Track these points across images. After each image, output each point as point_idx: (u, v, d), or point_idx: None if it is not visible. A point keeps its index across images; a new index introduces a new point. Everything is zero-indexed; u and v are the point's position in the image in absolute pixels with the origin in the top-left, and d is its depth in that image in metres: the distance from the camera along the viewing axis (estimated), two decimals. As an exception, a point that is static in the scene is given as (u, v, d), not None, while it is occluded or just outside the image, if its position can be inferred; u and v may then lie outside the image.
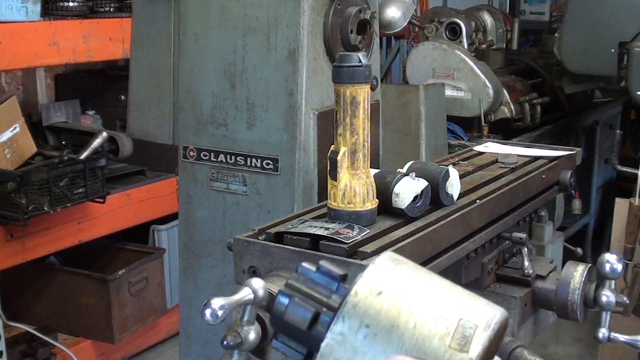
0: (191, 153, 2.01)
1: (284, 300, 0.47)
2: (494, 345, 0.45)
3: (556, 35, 4.11)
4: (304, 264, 0.49)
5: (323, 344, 0.44)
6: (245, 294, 1.17)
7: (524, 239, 1.66)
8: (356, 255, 1.25)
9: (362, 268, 0.47)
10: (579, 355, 3.77)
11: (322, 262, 0.48)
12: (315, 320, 0.46)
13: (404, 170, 1.54)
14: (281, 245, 1.33)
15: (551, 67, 4.35)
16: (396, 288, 0.44)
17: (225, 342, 1.18)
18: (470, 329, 0.43)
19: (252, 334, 1.19)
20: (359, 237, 1.30)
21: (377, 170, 1.52)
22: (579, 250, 2.06)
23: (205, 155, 1.98)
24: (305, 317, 0.46)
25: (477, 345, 0.43)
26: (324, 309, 0.46)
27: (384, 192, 1.44)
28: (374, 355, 0.43)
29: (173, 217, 3.57)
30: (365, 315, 0.43)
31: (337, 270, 0.48)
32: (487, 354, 0.44)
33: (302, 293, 0.47)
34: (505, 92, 3.91)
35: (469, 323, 0.44)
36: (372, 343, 0.43)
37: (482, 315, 0.44)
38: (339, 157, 1.42)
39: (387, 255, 0.48)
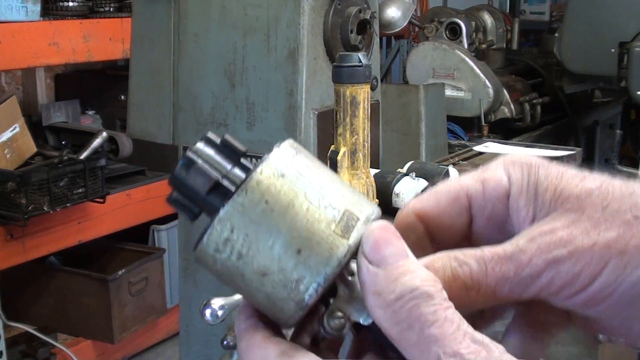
0: (191, 153, 2.01)
1: (188, 162, 0.50)
2: None
3: (556, 35, 4.11)
4: (210, 134, 0.53)
5: (223, 210, 0.49)
6: (245, 294, 1.16)
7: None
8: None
9: (268, 151, 0.51)
10: (578, 355, 3.78)
11: (227, 136, 0.52)
12: (214, 188, 0.50)
13: (404, 170, 1.54)
14: (281, 245, 1.33)
15: (551, 67, 4.35)
16: (296, 173, 0.49)
17: (225, 342, 1.18)
18: (352, 220, 0.48)
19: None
20: (359, 237, 1.30)
21: (377, 170, 1.52)
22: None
23: (205, 155, 1.98)
24: (206, 182, 0.50)
25: (357, 234, 0.48)
26: (225, 180, 0.50)
27: (384, 192, 1.44)
28: (268, 227, 0.48)
29: (173, 217, 3.57)
30: (267, 192, 0.48)
31: (240, 146, 0.52)
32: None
33: (205, 159, 0.50)
34: (505, 92, 3.91)
35: (353, 215, 0.49)
36: (268, 217, 0.48)
37: (363, 211, 0.49)
38: (339, 157, 1.42)
39: (290, 142, 0.52)
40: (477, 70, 3.75)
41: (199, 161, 0.50)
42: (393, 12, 2.24)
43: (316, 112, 1.84)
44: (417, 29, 4.67)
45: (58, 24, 3.14)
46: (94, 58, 3.33)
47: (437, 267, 0.48)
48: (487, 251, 0.49)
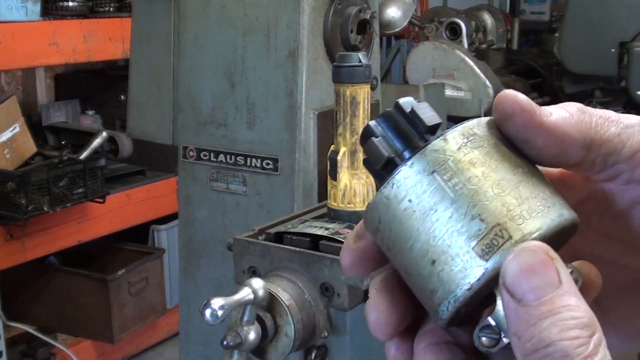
0: (191, 153, 2.01)
1: (366, 133, 0.48)
2: None
3: (556, 35, 4.11)
4: (403, 101, 0.49)
5: (372, 199, 0.46)
6: (245, 294, 1.16)
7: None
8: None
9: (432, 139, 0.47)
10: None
11: (416, 106, 0.47)
12: (386, 165, 0.47)
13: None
14: (281, 245, 1.33)
15: (551, 67, 4.35)
16: (451, 172, 0.44)
17: (225, 342, 1.18)
18: (500, 238, 0.42)
19: (252, 334, 1.19)
20: (359, 237, 1.30)
21: (377, 170, 1.51)
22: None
23: (205, 155, 1.98)
24: (377, 160, 0.47)
25: (499, 257, 0.42)
26: (396, 159, 0.47)
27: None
28: (408, 228, 0.44)
29: (173, 217, 3.57)
30: (412, 190, 0.44)
31: (427, 120, 0.47)
32: None
33: (381, 133, 0.47)
34: (505, 92, 3.90)
35: (504, 232, 0.43)
36: (410, 217, 0.44)
37: (525, 225, 0.43)
38: (339, 157, 1.42)
39: (465, 128, 0.46)
40: (477, 70, 3.75)
41: (374, 135, 0.47)
42: (393, 12, 2.24)
43: (316, 112, 1.84)
44: (417, 29, 4.67)
45: (58, 23, 3.14)
46: (94, 58, 3.33)
47: None
48: None
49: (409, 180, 0.45)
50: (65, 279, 3.40)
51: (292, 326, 1.25)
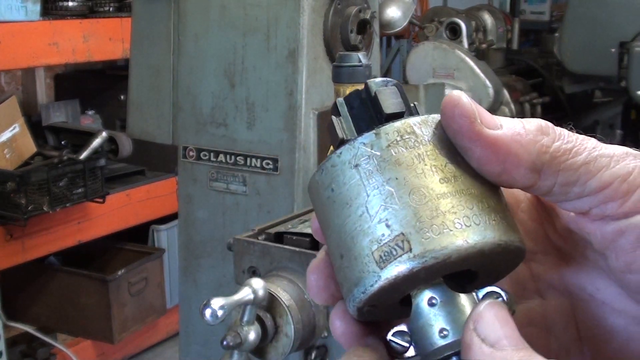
0: (191, 153, 2.01)
1: (333, 112, 0.46)
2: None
3: (556, 35, 4.11)
4: (373, 82, 0.46)
5: (309, 180, 0.45)
6: (245, 294, 1.16)
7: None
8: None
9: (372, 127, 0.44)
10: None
11: (379, 90, 0.44)
12: (341, 145, 0.45)
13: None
14: (281, 245, 1.33)
15: (551, 67, 4.35)
16: (375, 166, 0.42)
17: (225, 342, 1.18)
18: (400, 248, 0.39)
19: (252, 334, 1.19)
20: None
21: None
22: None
23: (205, 155, 1.98)
24: (335, 138, 0.45)
25: (394, 269, 0.39)
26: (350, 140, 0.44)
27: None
28: (327, 217, 0.42)
29: (173, 217, 3.57)
30: (335, 179, 0.42)
31: (387, 107, 0.44)
32: (410, 283, 0.41)
33: (344, 114, 0.46)
34: (505, 92, 3.91)
35: (406, 243, 0.39)
36: (330, 207, 0.42)
37: (430, 241, 0.39)
38: (339, 157, 1.41)
39: (409, 123, 0.43)
40: (477, 70, 3.75)
41: (337, 114, 0.46)
42: (393, 12, 2.24)
43: (316, 112, 1.84)
44: (417, 28, 4.67)
45: (58, 23, 3.14)
46: (94, 58, 3.33)
47: None
48: None
49: (335, 170, 0.43)
50: (65, 279, 3.40)
51: (292, 326, 1.25)
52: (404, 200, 0.41)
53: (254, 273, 1.35)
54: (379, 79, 0.46)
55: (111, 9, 3.43)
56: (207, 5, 1.93)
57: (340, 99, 0.46)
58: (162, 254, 3.66)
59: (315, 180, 0.44)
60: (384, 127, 0.43)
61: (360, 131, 0.44)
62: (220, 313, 1.12)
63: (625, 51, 3.44)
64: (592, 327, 0.47)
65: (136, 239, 3.73)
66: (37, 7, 3.01)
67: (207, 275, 2.04)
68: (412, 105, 0.46)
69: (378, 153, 0.42)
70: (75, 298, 3.37)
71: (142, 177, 3.62)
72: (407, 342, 0.42)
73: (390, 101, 0.45)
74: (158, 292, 3.62)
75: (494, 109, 3.80)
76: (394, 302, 0.43)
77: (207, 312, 1.12)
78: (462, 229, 0.40)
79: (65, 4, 3.24)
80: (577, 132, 0.46)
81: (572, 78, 3.90)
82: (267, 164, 1.87)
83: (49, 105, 3.86)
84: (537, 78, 4.35)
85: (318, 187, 0.44)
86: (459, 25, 4.05)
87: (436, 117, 0.45)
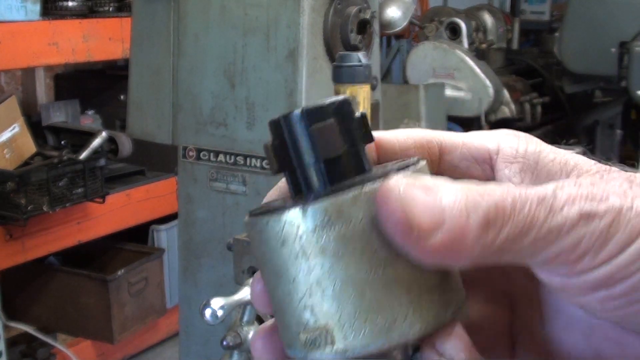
0: (191, 153, 2.01)
1: (273, 129, 0.42)
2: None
3: (556, 35, 4.11)
4: (309, 108, 0.41)
5: (247, 221, 0.42)
6: (245, 294, 1.16)
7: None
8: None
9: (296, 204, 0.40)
10: None
11: (321, 126, 0.40)
12: (279, 171, 0.42)
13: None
14: (281, 246, 1.33)
15: (551, 67, 4.35)
16: (296, 251, 0.39)
17: (225, 342, 1.18)
18: (323, 340, 0.39)
19: (252, 334, 1.19)
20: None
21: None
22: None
23: (204, 155, 1.98)
24: (272, 167, 0.42)
25: (317, 356, 0.39)
26: (288, 174, 0.41)
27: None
28: (266, 269, 0.41)
29: (173, 217, 3.57)
30: (264, 244, 0.40)
31: (324, 152, 0.40)
32: None
33: (287, 138, 0.41)
34: (505, 91, 3.91)
35: (330, 337, 0.39)
36: (265, 263, 0.40)
37: (352, 340, 0.38)
38: (339, 157, 1.41)
39: (332, 202, 0.39)
40: (477, 70, 3.75)
41: (275, 139, 0.41)
42: (393, 12, 2.24)
43: (316, 112, 1.83)
44: (417, 28, 4.66)
45: (58, 23, 3.14)
46: (94, 58, 3.33)
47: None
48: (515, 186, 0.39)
49: (263, 237, 0.40)
50: (65, 279, 3.40)
51: (292, 326, 1.24)
52: (327, 293, 0.38)
53: (253, 273, 1.35)
54: (328, 101, 0.41)
55: (111, 9, 3.43)
56: (207, 5, 1.93)
57: (282, 118, 0.41)
58: (162, 254, 3.66)
59: (249, 228, 0.41)
60: (311, 205, 0.39)
61: (285, 169, 0.41)
62: (220, 313, 1.12)
63: (625, 51, 3.44)
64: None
65: (136, 239, 3.73)
66: (37, 7, 3.01)
67: (207, 275, 2.04)
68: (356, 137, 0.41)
69: (303, 236, 0.39)
70: (75, 298, 3.38)
71: (142, 177, 3.62)
72: None
73: (326, 142, 0.40)
74: (158, 292, 3.62)
75: (494, 109, 3.80)
76: None
77: (207, 312, 1.12)
78: (386, 326, 0.38)
79: (65, 3, 3.24)
80: (569, 146, 0.44)
81: (572, 78, 3.91)
82: (267, 164, 1.87)
83: (49, 105, 3.86)
84: (537, 78, 4.35)
85: (252, 236, 0.41)
86: (459, 25, 4.05)
87: (374, 189, 0.39)
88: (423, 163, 0.42)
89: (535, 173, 0.43)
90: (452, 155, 0.45)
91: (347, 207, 0.39)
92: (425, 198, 0.37)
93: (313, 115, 0.40)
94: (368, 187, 0.39)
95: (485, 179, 0.44)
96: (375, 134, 0.43)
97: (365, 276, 0.39)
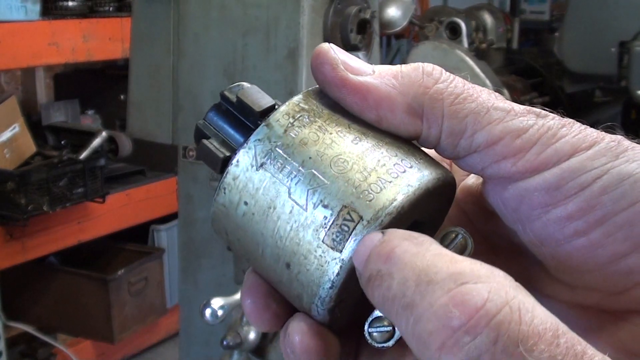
0: (191, 153, 2.01)
1: (197, 135, 0.42)
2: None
3: (556, 35, 4.11)
4: (228, 91, 0.43)
5: (211, 210, 0.41)
6: (245, 294, 1.16)
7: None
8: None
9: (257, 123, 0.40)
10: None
11: (241, 93, 0.42)
12: (227, 163, 0.40)
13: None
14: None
15: (551, 66, 4.35)
16: (283, 157, 0.38)
17: (225, 342, 1.18)
18: (350, 221, 0.36)
19: (252, 334, 1.19)
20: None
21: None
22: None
23: (205, 155, 1.98)
24: (214, 163, 0.41)
25: (353, 244, 0.36)
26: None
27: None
28: (253, 234, 0.39)
29: (173, 217, 3.57)
30: (244, 190, 0.38)
31: (256, 105, 0.41)
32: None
33: (214, 132, 0.42)
34: (505, 91, 3.91)
35: (354, 214, 0.36)
36: (251, 222, 0.38)
37: (376, 200, 0.36)
38: (339, 157, 1.42)
39: (289, 107, 0.40)
40: (477, 70, 3.75)
41: (205, 136, 0.42)
42: (393, 12, 2.24)
43: (316, 112, 1.84)
44: (417, 28, 4.67)
45: (57, 23, 3.14)
46: (94, 58, 3.33)
47: None
48: None
49: (239, 181, 0.39)
50: (65, 279, 3.40)
51: (292, 326, 1.24)
52: (330, 174, 0.37)
53: (254, 273, 1.35)
54: (232, 86, 0.43)
55: (111, 9, 3.42)
56: (207, 5, 1.93)
57: (200, 121, 0.43)
58: (162, 254, 3.66)
59: (219, 205, 0.40)
60: (271, 116, 0.40)
61: (251, 126, 0.41)
62: (220, 313, 1.12)
63: (625, 51, 3.44)
64: None
65: (136, 239, 3.73)
66: (37, 7, 3.01)
67: (207, 275, 2.03)
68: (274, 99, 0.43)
69: (279, 142, 0.39)
70: (75, 298, 3.38)
71: (142, 177, 3.62)
72: (387, 325, 0.38)
73: (255, 97, 0.42)
74: (158, 292, 3.62)
75: (494, 109, 3.81)
76: (359, 291, 0.38)
77: (207, 312, 1.12)
78: (400, 175, 0.38)
79: (65, 3, 3.24)
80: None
81: (572, 78, 3.91)
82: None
83: (49, 105, 3.86)
84: (537, 78, 4.35)
85: (227, 210, 0.40)
86: (459, 25, 4.05)
87: (312, 88, 0.41)
88: None
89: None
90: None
91: (303, 103, 0.40)
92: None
93: (219, 107, 0.43)
94: (310, 88, 0.41)
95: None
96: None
97: (354, 146, 0.38)
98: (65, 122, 3.64)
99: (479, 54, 4.15)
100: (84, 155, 3.05)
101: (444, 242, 0.39)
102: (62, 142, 3.32)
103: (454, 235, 0.39)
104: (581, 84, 3.98)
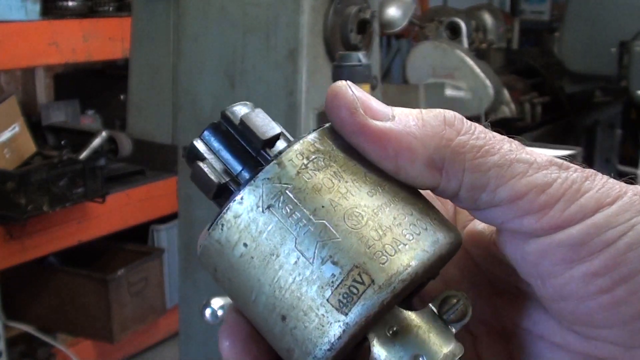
0: (191, 153, 2.01)
1: (190, 156, 0.39)
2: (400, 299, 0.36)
3: (556, 35, 4.11)
4: (229, 111, 0.40)
5: (201, 244, 0.38)
6: (245, 294, 1.16)
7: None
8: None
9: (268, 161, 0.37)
10: None
11: (245, 117, 0.39)
12: (219, 193, 0.38)
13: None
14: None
15: (551, 66, 4.35)
16: (293, 203, 0.35)
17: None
18: (360, 284, 0.33)
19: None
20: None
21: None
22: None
23: (205, 155, 1.98)
24: (208, 188, 0.38)
25: (361, 310, 0.34)
26: (232, 184, 0.38)
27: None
28: (248, 278, 0.36)
29: (173, 217, 3.57)
30: (245, 231, 0.35)
31: (261, 133, 0.38)
32: (378, 314, 0.35)
33: (211, 155, 0.39)
34: (505, 91, 3.91)
35: (365, 276, 0.33)
36: (248, 265, 0.36)
37: (390, 264, 0.34)
38: (339, 157, 1.42)
39: (302, 146, 0.36)
40: (477, 70, 3.75)
41: (200, 157, 0.39)
42: (393, 12, 2.24)
43: (316, 112, 1.83)
44: (417, 28, 4.67)
45: (57, 23, 3.14)
46: (94, 58, 3.33)
47: None
48: None
49: (241, 220, 0.36)
50: (65, 279, 3.40)
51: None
52: (342, 228, 0.34)
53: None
54: (234, 105, 0.40)
55: (111, 9, 3.42)
56: (207, 5, 1.93)
57: (196, 140, 0.40)
58: (162, 254, 3.66)
59: (213, 241, 0.37)
60: (283, 154, 0.37)
61: (245, 165, 0.38)
62: (220, 313, 1.12)
63: (625, 50, 3.44)
64: None
65: (136, 239, 3.73)
66: (37, 7, 3.01)
67: (207, 275, 2.03)
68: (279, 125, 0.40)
69: (290, 184, 0.35)
70: (75, 298, 3.37)
71: (142, 177, 3.62)
72: (456, 304, 0.37)
73: (261, 124, 0.39)
74: (158, 292, 3.62)
75: (494, 109, 3.80)
76: (351, 354, 0.37)
77: (207, 312, 1.12)
78: (415, 238, 0.35)
79: (65, 3, 3.24)
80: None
81: (572, 78, 3.91)
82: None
83: (49, 105, 3.86)
84: (537, 78, 4.35)
85: (222, 248, 0.37)
86: (459, 25, 4.05)
87: (327, 127, 0.38)
88: None
89: None
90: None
91: (318, 143, 0.37)
92: (374, 100, 0.38)
93: (218, 126, 0.40)
94: (324, 126, 0.38)
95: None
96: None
97: (369, 199, 0.36)
98: (65, 122, 3.64)
99: (479, 54, 4.15)
100: (84, 155, 3.05)
101: (444, 306, 0.37)
102: (62, 142, 3.31)
103: (455, 300, 0.38)
104: (581, 84, 3.98)
